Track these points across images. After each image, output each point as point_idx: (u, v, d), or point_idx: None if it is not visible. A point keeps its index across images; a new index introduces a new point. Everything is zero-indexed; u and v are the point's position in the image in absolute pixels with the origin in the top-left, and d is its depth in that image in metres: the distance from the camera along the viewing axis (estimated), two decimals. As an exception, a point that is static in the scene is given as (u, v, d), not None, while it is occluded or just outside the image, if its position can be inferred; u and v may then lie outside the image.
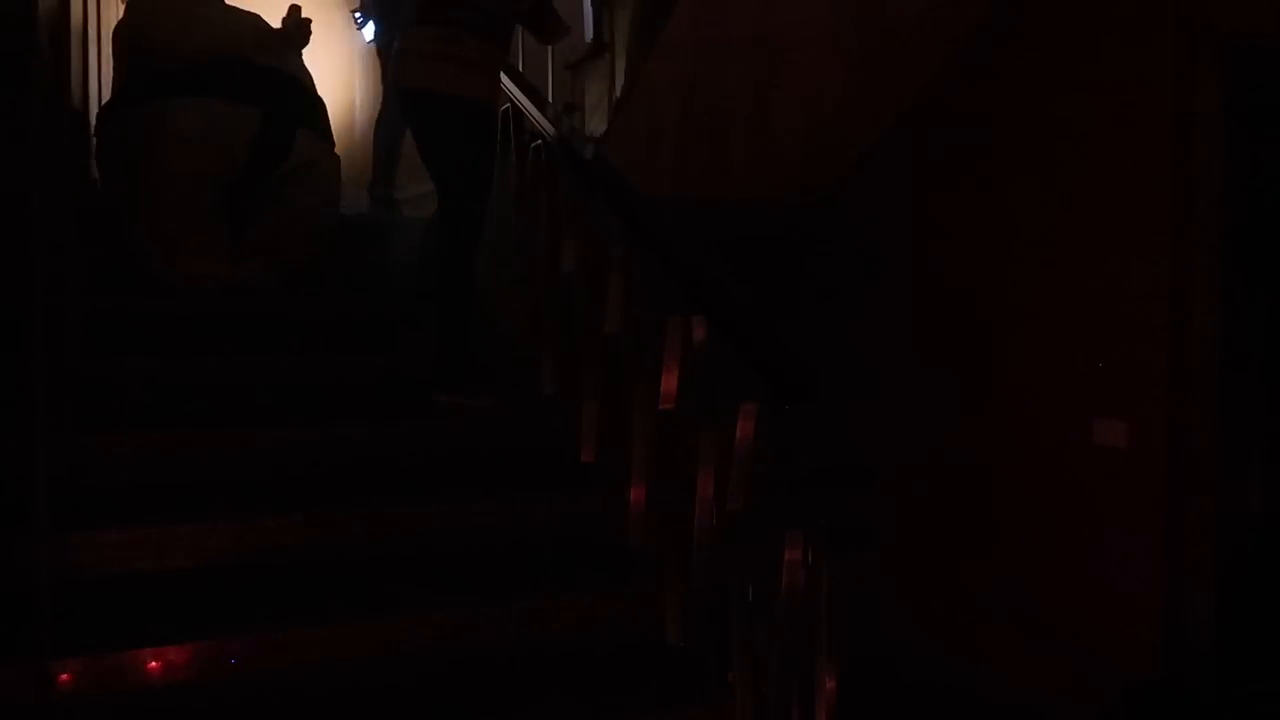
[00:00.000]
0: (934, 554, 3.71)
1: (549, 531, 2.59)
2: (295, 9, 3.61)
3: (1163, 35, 2.98)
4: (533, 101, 3.15)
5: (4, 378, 1.96)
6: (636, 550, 2.48)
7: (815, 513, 2.04)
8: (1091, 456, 3.15)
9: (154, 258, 3.20)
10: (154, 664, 1.92)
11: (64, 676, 1.84)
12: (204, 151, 3.20)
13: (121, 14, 3.56)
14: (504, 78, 3.15)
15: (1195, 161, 2.96)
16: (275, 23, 3.61)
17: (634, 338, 2.55)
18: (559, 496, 2.65)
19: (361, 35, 5.29)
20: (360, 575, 2.32)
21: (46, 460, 1.80)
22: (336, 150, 3.69)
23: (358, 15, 5.03)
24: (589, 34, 4.43)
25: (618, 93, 3.73)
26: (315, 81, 3.70)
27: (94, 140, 3.36)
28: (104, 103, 3.38)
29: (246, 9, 3.59)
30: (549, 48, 3.92)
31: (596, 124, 3.81)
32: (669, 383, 2.37)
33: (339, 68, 5.89)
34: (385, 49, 4.33)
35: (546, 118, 3.05)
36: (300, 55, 3.67)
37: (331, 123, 3.71)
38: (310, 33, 3.62)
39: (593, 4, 4.38)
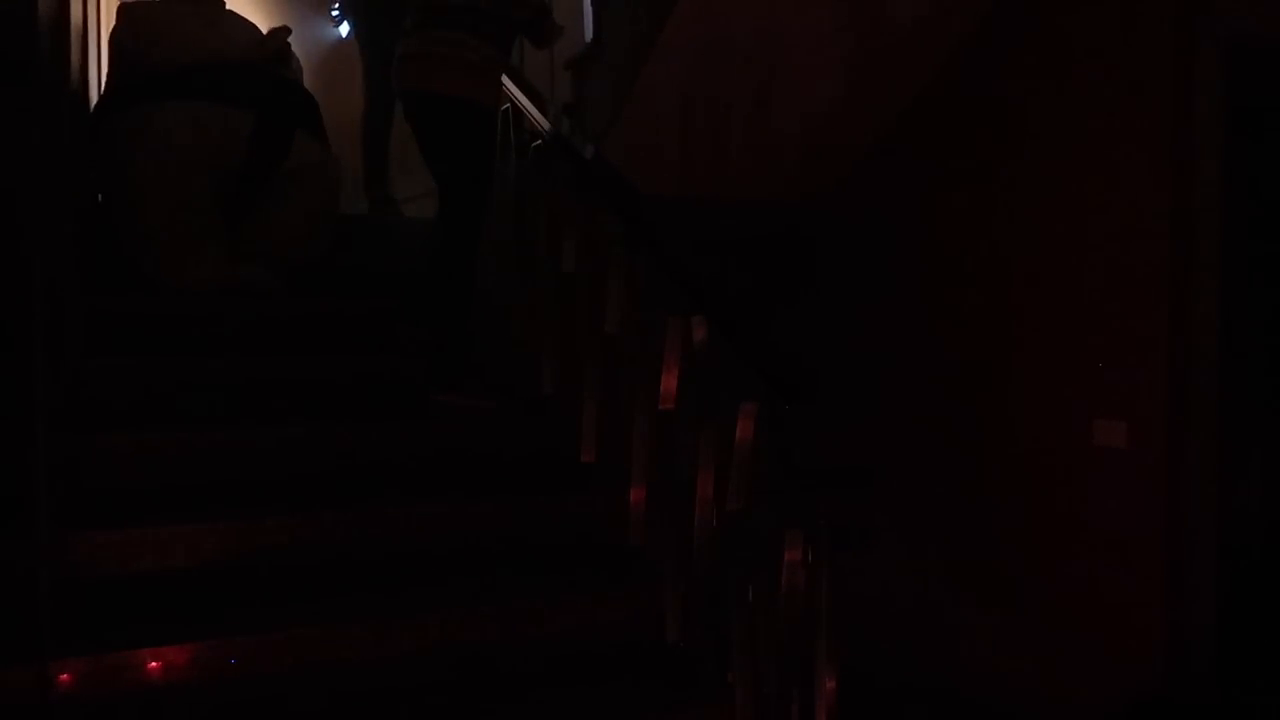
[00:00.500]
0: (933, 554, 3.71)
1: (549, 531, 2.59)
2: (284, 30, 3.60)
3: (1163, 35, 2.98)
4: (532, 101, 3.15)
5: (3, 377, 1.96)
6: (636, 550, 2.48)
7: (815, 513, 2.04)
8: (1091, 457, 3.15)
9: (148, 260, 3.20)
10: (154, 664, 1.92)
11: (64, 676, 1.84)
12: (195, 154, 3.19)
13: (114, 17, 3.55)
14: (504, 78, 3.15)
15: (1195, 161, 2.96)
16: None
17: (634, 338, 2.55)
18: (559, 496, 2.65)
19: (337, 32, 5.26)
20: (360, 575, 2.32)
21: (46, 460, 1.80)
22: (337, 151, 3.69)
23: (335, 11, 5.01)
24: (589, 34, 4.43)
25: (618, 92, 3.73)
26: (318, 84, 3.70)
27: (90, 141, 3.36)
28: (97, 104, 3.38)
29: (238, 15, 3.59)
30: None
31: (596, 124, 3.80)
32: (669, 383, 2.37)
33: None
34: (367, 48, 4.30)
35: (546, 118, 3.05)
36: (290, 61, 3.66)
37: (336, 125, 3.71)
38: (287, 50, 3.61)
39: (593, 3, 4.37)
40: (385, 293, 3.30)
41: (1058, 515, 3.27)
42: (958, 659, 3.56)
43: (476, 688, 2.16)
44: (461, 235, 2.97)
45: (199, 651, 1.96)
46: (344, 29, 4.91)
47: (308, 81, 3.80)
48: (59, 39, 2.47)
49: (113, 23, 3.48)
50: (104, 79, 3.62)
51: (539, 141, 3.09)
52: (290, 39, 3.63)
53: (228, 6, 3.61)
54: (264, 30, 3.62)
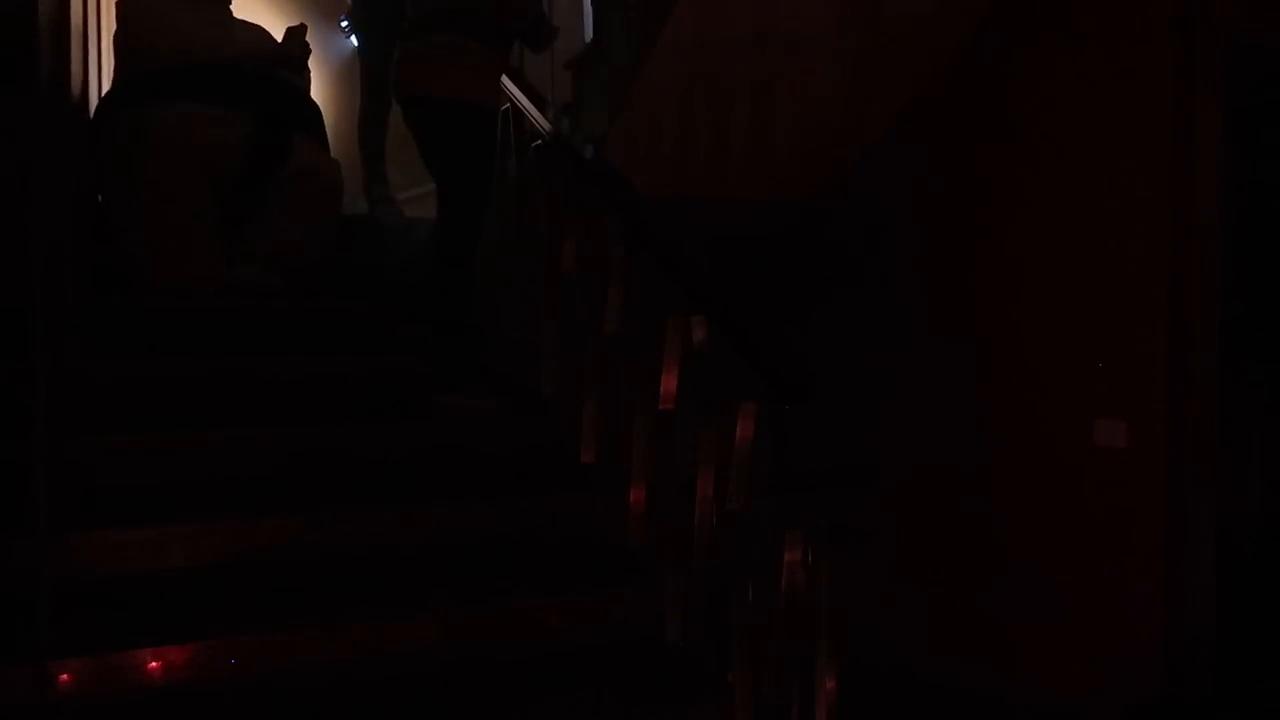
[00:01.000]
0: (933, 554, 3.71)
1: (549, 531, 2.59)
2: (301, 28, 3.61)
3: (1162, 35, 2.98)
4: (532, 101, 3.15)
5: (3, 378, 1.96)
6: (636, 550, 2.48)
7: (815, 513, 2.04)
8: (1092, 456, 3.16)
9: (148, 260, 3.20)
10: (154, 664, 1.92)
11: (64, 676, 1.84)
12: (193, 155, 3.19)
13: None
14: (504, 78, 3.16)
15: (1195, 161, 2.96)
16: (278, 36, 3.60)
17: (634, 338, 2.55)
18: (559, 496, 2.65)
19: (350, 43, 5.28)
20: (359, 575, 2.32)
21: (46, 460, 1.80)
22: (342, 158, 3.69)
23: (344, 23, 5.02)
24: (589, 33, 4.42)
25: (618, 92, 3.73)
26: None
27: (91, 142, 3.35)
28: (98, 105, 3.38)
29: (245, 19, 3.59)
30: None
31: (596, 124, 3.80)
32: (669, 383, 2.37)
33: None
34: (365, 50, 4.33)
35: (546, 118, 3.06)
36: (304, 69, 3.67)
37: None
38: (309, 53, 3.61)
39: (593, 3, 4.37)
40: (385, 292, 3.30)
41: (1058, 514, 3.27)
42: (958, 658, 3.56)
43: (477, 687, 2.16)
44: (461, 235, 2.97)
45: (199, 651, 1.96)
46: (355, 39, 4.91)
47: (319, 90, 3.80)
48: (59, 39, 2.47)
49: (113, 22, 3.48)
50: (105, 78, 3.61)
51: (539, 141, 3.09)
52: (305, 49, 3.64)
53: (235, 11, 3.61)
54: (271, 33, 3.62)
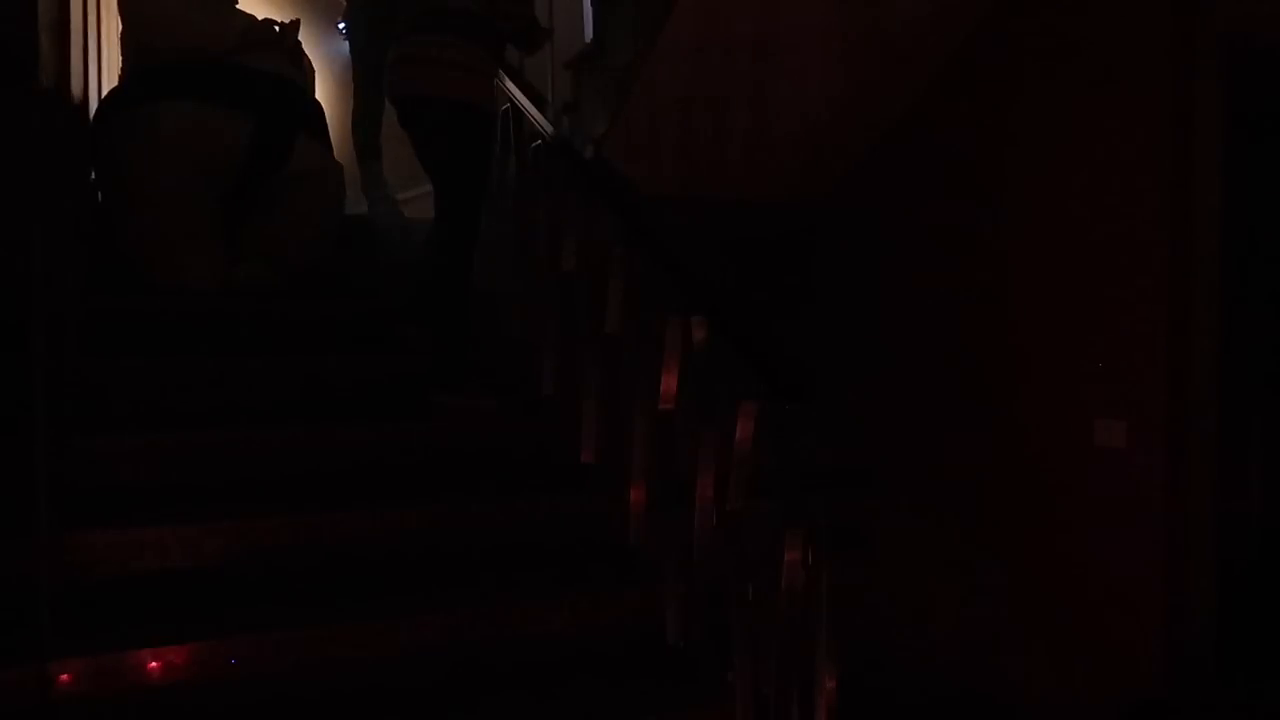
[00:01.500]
0: (932, 555, 3.71)
1: (549, 532, 2.59)
2: (296, 24, 3.60)
3: (1162, 35, 2.98)
4: (532, 101, 3.15)
5: (3, 378, 1.96)
6: (636, 550, 2.48)
7: (815, 513, 2.04)
8: (1092, 456, 3.15)
9: (147, 259, 3.19)
10: (154, 664, 1.92)
11: (64, 676, 1.84)
12: (193, 154, 3.18)
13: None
14: (504, 78, 3.16)
15: (1195, 161, 2.96)
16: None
17: (634, 338, 2.55)
18: (559, 497, 2.65)
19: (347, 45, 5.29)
20: (360, 576, 2.33)
21: (46, 461, 1.80)
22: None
23: (342, 26, 5.02)
24: (589, 34, 4.43)
25: (618, 93, 3.73)
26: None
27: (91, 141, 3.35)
28: (99, 105, 3.37)
29: (238, 8, 3.57)
30: (549, 47, 3.93)
31: (596, 124, 3.80)
32: (669, 383, 2.37)
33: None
34: (359, 52, 4.34)
35: (546, 118, 3.06)
36: (302, 61, 3.66)
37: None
38: (295, 31, 3.60)
39: (593, 3, 4.37)
40: (385, 292, 3.30)
41: (1058, 514, 3.27)
42: (958, 658, 3.56)
43: (477, 688, 2.16)
44: (459, 235, 2.97)
45: (199, 651, 1.96)
46: (348, 39, 4.92)
47: (322, 93, 3.80)
48: (59, 39, 2.47)
49: (113, 23, 3.48)
50: (105, 78, 3.61)
51: (539, 141, 3.10)
52: (307, 52, 3.63)
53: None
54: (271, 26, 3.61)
